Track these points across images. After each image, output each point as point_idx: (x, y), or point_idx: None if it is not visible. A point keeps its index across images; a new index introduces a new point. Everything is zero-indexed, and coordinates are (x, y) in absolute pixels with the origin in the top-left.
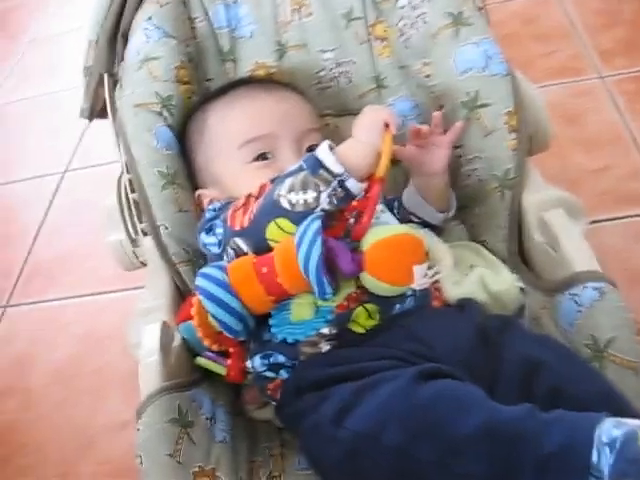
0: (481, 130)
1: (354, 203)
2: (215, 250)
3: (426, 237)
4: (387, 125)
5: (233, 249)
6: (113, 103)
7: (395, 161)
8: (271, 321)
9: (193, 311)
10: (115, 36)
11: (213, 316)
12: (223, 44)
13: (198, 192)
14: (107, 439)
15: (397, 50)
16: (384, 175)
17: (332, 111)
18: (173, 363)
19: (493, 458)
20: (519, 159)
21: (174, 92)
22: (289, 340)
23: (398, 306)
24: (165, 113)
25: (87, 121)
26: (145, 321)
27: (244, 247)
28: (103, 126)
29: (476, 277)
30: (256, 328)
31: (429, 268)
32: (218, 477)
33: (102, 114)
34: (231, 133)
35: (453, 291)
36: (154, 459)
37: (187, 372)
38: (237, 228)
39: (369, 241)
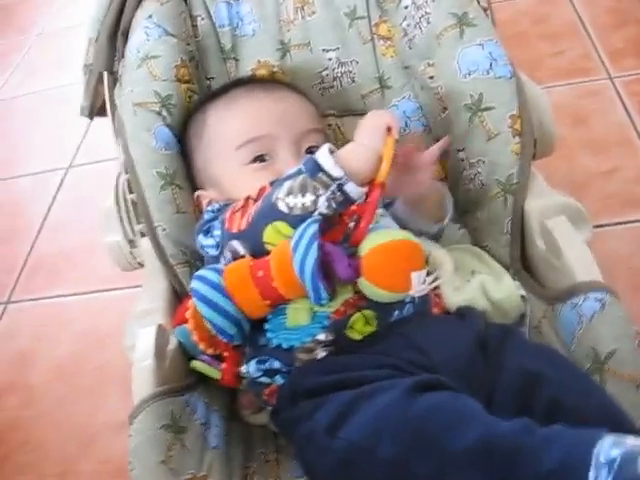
0: (484, 134)
1: (353, 207)
2: (213, 252)
3: (426, 242)
4: (390, 129)
5: (230, 252)
6: (112, 101)
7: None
8: (267, 326)
9: (188, 314)
10: (115, 34)
11: (207, 319)
12: (225, 43)
13: (197, 193)
14: (107, 438)
15: (401, 50)
16: (385, 180)
17: (335, 111)
18: (168, 367)
19: (489, 474)
20: (522, 164)
21: (174, 91)
22: (284, 346)
23: (396, 312)
24: (164, 113)
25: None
26: (141, 324)
27: (241, 250)
28: (107, 122)
29: (477, 284)
30: (252, 332)
31: (428, 274)
32: None
33: (102, 112)
34: (229, 134)
35: (453, 298)
36: (145, 466)
37: (182, 376)
38: (234, 231)
39: (367, 246)
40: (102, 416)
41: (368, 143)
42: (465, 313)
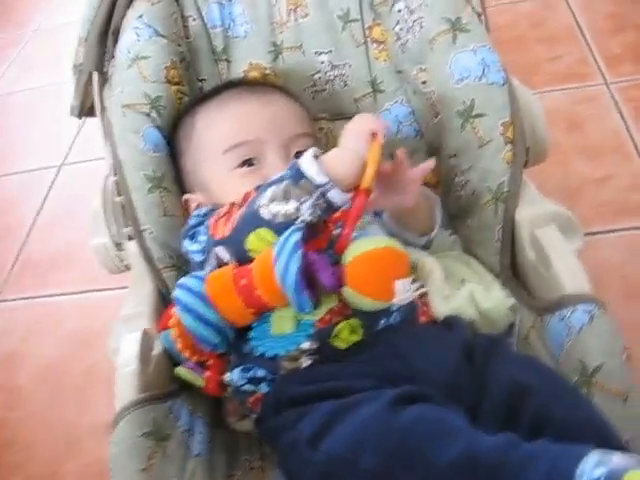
0: (476, 140)
1: (338, 214)
2: (198, 258)
3: (414, 250)
4: (375, 134)
5: (215, 258)
6: (102, 102)
7: None
8: (251, 334)
9: (172, 322)
10: (106, 33)
11: (189, 329)
12: (217, 44)
13: (185, 196)
14: (95, 439)
15: (394, 54)
16: (370, 186)
17: (327, 115)
18: (152, 372)
19: None
20: (514, 172)
21: (164, 93)
22: (269, 354)
23: (383, 321)
24: (154, 114)
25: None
26: (126, 328)
27: (226, 256)
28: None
29: (466, 293)
30: (236, 340)
31: (414, 281)
32: None
33: (92, 112)
34: (217, 138)
35: (441, 307)
36: (125, 474)
37: (166, 381)
38: (219, 237)
39: (351, 254)
40: (90, 417)
41: (352, 148)
42: (452, 323)
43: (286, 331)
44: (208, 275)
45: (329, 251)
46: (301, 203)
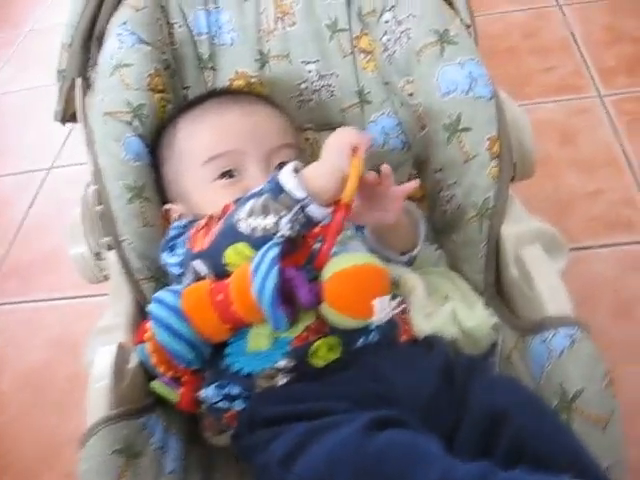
0: (462, 155)
1: (317, 229)
2: (176, 271)
3: (396, 267)
4: (357, 148)
5: (193, 272)
6: (84, 109)
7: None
8: (227, 350)
9: (147, 336)
10: (90, 39)
11: (163, 344)
12: (202, 51)
13: (166, 206)
14: (74, 450)
15: (381, 65)
16: (350, 201)
17: (313, 125)
18: (126, 387)
19: None
20: (499, 188)
21: (146, 101)
22: (244, 372)
23: (361, 339)
24: (136, 123)
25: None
26: (102, 340)
27: (203, 270)
28: None
29: (448, 310)
30: (212, 356)
31: (394, 298)
32: None
33: (75, 118)
34: (197, 149)
35: (423, 325)
36: None
37: (141, 396)
38: (196, 250)
39: (329, 271)
40: (69, 427)
41: (333, 163)
42: (433, 342)
43: (262, 348)
44: (184, 289)
45: (308, 266)
46: (280, 217)
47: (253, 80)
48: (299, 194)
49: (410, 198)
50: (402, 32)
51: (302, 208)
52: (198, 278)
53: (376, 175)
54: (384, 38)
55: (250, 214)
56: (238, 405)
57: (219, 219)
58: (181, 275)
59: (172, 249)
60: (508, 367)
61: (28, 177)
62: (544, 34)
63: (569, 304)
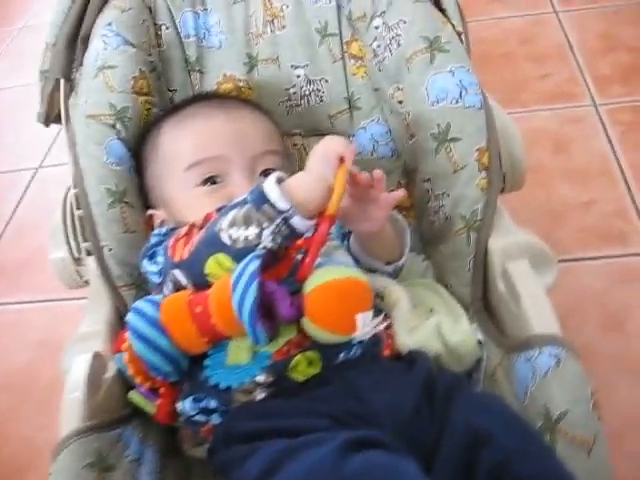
0: (450, 165)
1: (300, 241)
2: (156, 279)
3: (381, 278)
4: (343, 159)
5: (172, 281)
6: (67, 111)
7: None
8: (206, 362)
9: (124, 346)
10: (75, 40)
11: (140, 355)
12: (190, 54)
13: (149, 212)
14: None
15: (371, 71)
16: (335, 213)
17: (301, 131)
18: (102, 397)
19: None
20: (488, 200)
21: (130, 104)
22: (222, 386)
23: (342, 354)
24: (119, 126)
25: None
26: (80, 348)
27: (183, 280)
28: None
29: (433, 325)
30: (191, 367)
31: (379, 312)
32: None
33: (59, 120)
34: (179, 154)
35: (406, 339)
36: None
37: (119, 405)
38: (177, 259)
39: (311, 284)
40: (51, 432)
41: (318, 173)
42: (416, 358)
43: (242, 362)
44: (163, 300)
45: (290, 278)
46: (262, 229)
47: (241, 84)
48: (283, 205)
49: (398, 207)
50: (392, 38)
51: (285, 220)
52: (177, 288)
53: (370, 176)
54: (374, 44)
55: (232, 224)
56: (215, 419)
57: (200, 228)
58: (161, 284)
59: (152, 257)
60: (492, 384)
61: (16, 176)
62: (540, 40)
63: (555, 323)
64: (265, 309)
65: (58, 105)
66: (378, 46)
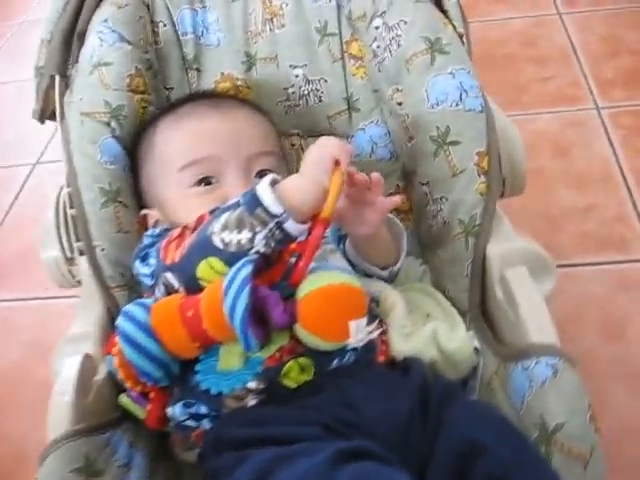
0: (449, 169)
1: (294, 245)
2: (148, 282)
3: (378, 283)
4: (339, 161)
5: (164, 284)
6: (62, 108)
7: None
8: (198, 366)
9: (114, 350)
10: (71, 36)
11: (130, 361)
12: (187, 51)
13: (143, 212)
14: None
15: (371, 72)
16: (329, 216)
17: (299, 131)
18: (91, 400)
19: None
20: (487, 205)
21: (126, 102)
22: (213, 391)
23: (336, 361)
24: (114, 124)
25: None
26: (70, 350)
27: (175, 283)
28: None
29: (429, 331)
30: (182, 371)
31: (374, 318)
32: None
33: (54, 117)
34: (173, 154)
35: (401, 346)
36: None
37: (108, 408)
38: (168, 262)
39: (304, 290)
40: (40, 433)
41: (313, 176)
42: (411, 365)
43: (233, 367)
44: (154, 303)
45: (284, 282)
46: (255, 233)
47: (239, 83)
48: (276, 209)
49: (396, 210)
50: (392, 39)
51: (279, 224)
52: (170, 290)
53: (367, 178)
54: (374, 44)
55: (224, 228)
56: (205, 424)
57: (193, 230)
58: (153, 286)
59: (144, 259)
60: (488, 393)
61: (13, 172)
62: (543, 42)
63: (553, 332)
64: (257, 315)
65: (53, 102)
66: (378, 46)
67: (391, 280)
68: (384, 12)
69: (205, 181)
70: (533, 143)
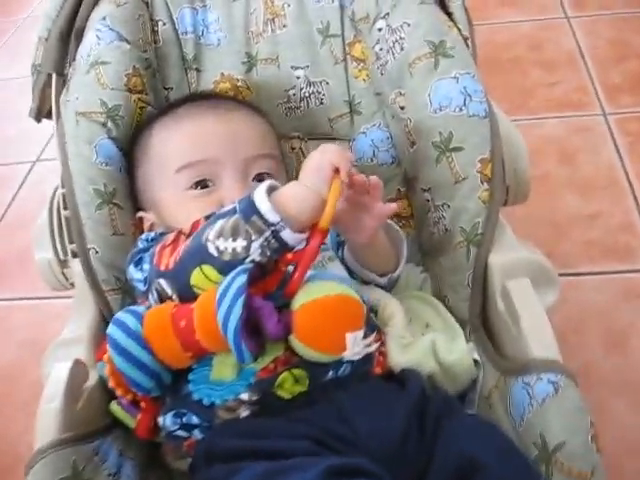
0: (451, 176)
1: (290, 255)
2: (141, 287)
3: (377, 291)
4: (338, 170)
5: (157, 290)
6: (58, 107)
7: None
8: (190, 376)
9: (105, 357)
10: (69, 34)
11: (121, 371)
12: (187, 51)
13: (139, 214)
14: None
15: (373, 75)
16: (327, 226)
17: (300, 134)
18: (81, 407)
19: None
20: (489, 214)
21: (123, 102)
22: (205, 402)
23: (331, 373)
24: (110, 124)
25: None
26: (61, 354)
27: (168, 290)
28: None
29: (427, 343)
30: (175, 380)
31: (372, 329)
32: None
33: (51, 115)
34: (170, 155)
35: (399, 357)
36: None
37: (99, 415)
38: (162, 268)
39: (300, 300)
40: (32, 436)
41: (311, 185)
42: (409, 378)
43: (226, 378)
44: (146, 311)
45: (279, 292)
46: (251, 241)
47: (239, 83)
48: (272, 218)
49: (398, 216)
50: (395, 41)
51: (275, 233)
52: (163, 297)
53: (366, 180)
54: (377, 47)
55: (219, 235)
56: (197, 435)
57: (188, 236)
58: (147, 292)
59: (138, 263)
60: (487, 407)
61: (13, 169)
62: (550, 46)
63: (555, 347)
64: (251, 326)
65: (50, 100)
66: (380, 49)
67: (390, 288)
68: (387, 14)
69: (202, 184)
70: (539, 148)
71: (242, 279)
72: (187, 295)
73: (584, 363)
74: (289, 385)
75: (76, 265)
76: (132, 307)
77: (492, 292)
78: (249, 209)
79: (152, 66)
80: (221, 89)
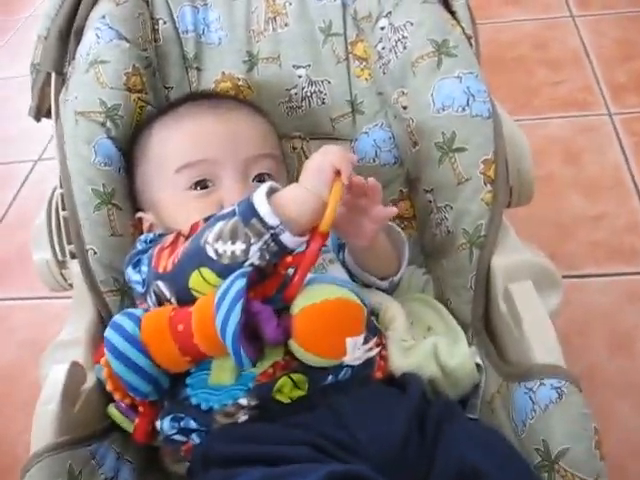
0: (454, 177)
1: (290, 258)
2: (139, 289)
3: (378, 294)
4: (339, 172)
5: (155, 293)
6: (57, 106)
7: None
8: (188, 380)
9: (103, 361)
10: (68, 32)
11: (118, 375)
12: (188, 50)
13: (138, 215)
14: None
15: (375, 74)
16: (328, 230)
17: (301, 133)
18: (79, 409)
19: None
20: (492, 215)
21: (122, 101)
22: (203, 407)
23: (330, 377)
24: (109, 124)
25: None
26: (58, 357)
27: (167, 293)
28: None
29: (429, 347)
30: (173, 384)
31: (374, 333)
32: None
33: (51, 115)
34: (169, 155)
35: (400, 361)
36: None
37: (96, 418)
38: (160, 271)
39: (299, 304)
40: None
41: (311, 187)
42: (410, 382)
43: (224, 382)
44: (144, 315)
45: (279, 295)
46: (250, 245)
47: (240, 83)
48: (272, 221)
49: (400, 217)
50: (398, 40)
51: (274, 236)
52: (161, 300)
53: (364, 181)
54: (379, 46)
55: (218, 238)
56: (194, 439)
57: (187, 238)
58: (145, 294)
59: (136, 265)
60: (489, 412)
61: (15, 168)
62: (555, 45)
63: (558, 352)
64: (250, 330)
65: (49, 99)
66: (383, 48)
67: (391, 291)
68: (390, 12)
69: (201, 184)
70: (543, 148)
71: (241, 283)
72: (185, 298)
73: (588, 365)
74: (288, 390)
75: (74, 266)
76: (130, 310)
77: (495, 295)
78: (248, 212)
79: (152, 65)
80: (222, 88)
